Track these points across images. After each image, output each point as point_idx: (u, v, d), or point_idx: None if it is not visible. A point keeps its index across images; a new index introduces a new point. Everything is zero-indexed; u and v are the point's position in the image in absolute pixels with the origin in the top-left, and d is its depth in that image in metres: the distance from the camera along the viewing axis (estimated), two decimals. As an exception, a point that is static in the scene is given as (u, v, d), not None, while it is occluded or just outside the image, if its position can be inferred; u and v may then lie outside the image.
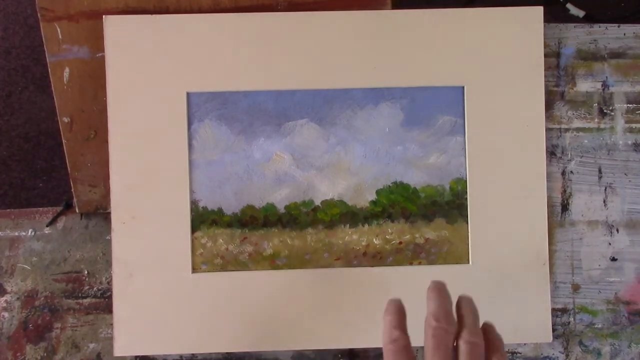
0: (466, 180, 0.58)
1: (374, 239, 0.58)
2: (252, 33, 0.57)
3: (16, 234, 0.61)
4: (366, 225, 0.58)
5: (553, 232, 0.60)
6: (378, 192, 0.58)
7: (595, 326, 0.60)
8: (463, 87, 0.58)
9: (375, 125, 0.58)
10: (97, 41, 0.58)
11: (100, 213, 0.61)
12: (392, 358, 0.40)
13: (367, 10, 0.58)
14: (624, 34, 0.61)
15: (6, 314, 0.60)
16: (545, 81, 0.59)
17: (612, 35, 0.61)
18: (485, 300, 0.58)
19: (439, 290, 0.43)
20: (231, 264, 0.58)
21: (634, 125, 0.61)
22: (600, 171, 0.60)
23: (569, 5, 1.09)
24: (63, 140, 0.60)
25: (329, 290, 0.58)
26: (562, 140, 0.61)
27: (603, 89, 0.61)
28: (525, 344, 0.59)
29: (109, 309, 0.59)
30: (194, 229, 0.58)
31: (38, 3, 0.58)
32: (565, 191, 0.60)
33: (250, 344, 0.58)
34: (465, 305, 0.42)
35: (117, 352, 0.57)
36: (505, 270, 0.58)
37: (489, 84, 0.58)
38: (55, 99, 0.59)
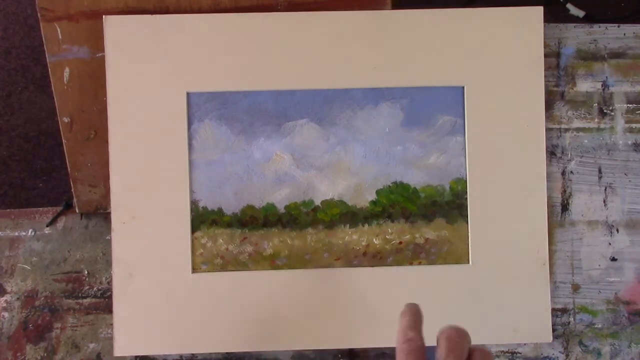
0: (466, 180, 0.58)
1: (374, 239, 0.58)
2: (252, 33, 0.57)
3: (16, 234, 0.61)
4: (366, 225, 0.58)
5: (553, 232, 0.60)
6: (378, 192, 0.58)
7: (595, 326, 0.60)
8: (463, 87, 0.58)
9: (375, 125, 0.58)
10: (97, 41, 0.58)
11: (100, 213, 0.61)
12: (405, 357, 0.39)
13: (367, 10, 0.58)
14: (624, 34, 0.61)
15: (6, 314, 0.60)
16: (545, 81, 0.59)
17: (612, 35, 0.61)
18: (485, 300, 0.58)
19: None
20: (231, 264, 0.58)
21: (634, 125, 0.61)
22: (600, 171, 0.60)
23: (569, 5, 1.09)
24: (63, 140, 0.60)
25: (329, 290, 0.58)
26: (562, 140, 0.61)
27: (603, 89, 0.61)
28: (525, 344, 0.59)
29: (109, 309, 0.59)
30: (194, 229, 0.58)
31: (38, 3, 0.58)
32: (565, 191, 0.60)
33: (250, 344, 0.58)
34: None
35: (117, 352, 0.57)
36: (505, 270, 0.58)
37: (489, 84, 0.58)
38: (55, 99, 0.59)
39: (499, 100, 0.58)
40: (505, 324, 0.58)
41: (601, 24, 0.61)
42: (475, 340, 0.59)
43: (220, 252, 0.58)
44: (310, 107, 0.58)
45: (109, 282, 0.60)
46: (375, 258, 0.58)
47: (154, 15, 0.57)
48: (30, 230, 0.61)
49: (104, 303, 0.60)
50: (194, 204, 0.58)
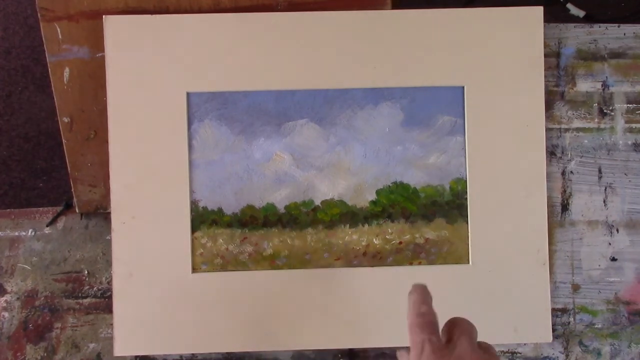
0: (466, 180, 0.58)
1: (374, 239, 0.58)
2: (252, 33, 0.57)
3: (16, 234, 0.61)
4: (366, 225, 0.58)
5: (553, 232, 0.60)
6: (378, 192, 0.58)
7: (595, 326, 0.60)
8: (463, 87, 0.58)
9: (375, 125, 0.58)
10: (97, 41, 0.58)
11: (100, 213, 0.61)
12: (420, 330, 0.39)
13: (367, 10, 0.58)
14: (624, 34, 0.61)
15: (6, 314, 0.60)
16: (545, 81, 0.59)
17: (612, 35, 0.61)
18: (485, 300, 0.58)
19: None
20: (231, 264, 0.58)
21: (634, 125, 0.61)
22: (600, 171, 0.60)
23: (569, 5, 1.09)
24: (63, 140, 0.60)
25: (329, 290, 0.58)
26: (562, 140, 0.61)
27: (603, 89, 0.61)
28: (525, 344, 0.59)
29: (109, 309, 0.59)
30: (194, 229, 0.58)
31: (38, 3, 0.58)
32: (565, 191, 0.60)
33: (250, 344, 0.58)
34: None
35: (117, 352, 0.57)
36: (505, 270, 0.58)
37: (489, 84, 0.58)
38: (55, 99, 0.59)
39: (499, 100, 0.58)
40: (505, 324, 0.58)
41: (601, 24, 0.61)
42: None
43: (220, 252, 0.58)
44: (310, 107, 0.58)
45: (109, 282, 0.60)
46: (375, 258, 0.58)
47: (154, 15, 0.57)
48: (30, 230, 0.61)
49: (104, 303, 0.60)
50: (194, 204, 0.58)
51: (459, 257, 0.58)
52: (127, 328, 0.57)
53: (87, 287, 0.60)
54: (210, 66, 0.57)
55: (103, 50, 0.57)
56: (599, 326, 0.60)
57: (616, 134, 0.61)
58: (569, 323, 0.60)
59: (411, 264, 0.58)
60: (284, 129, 0.58)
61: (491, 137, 0.58)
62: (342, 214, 0.58)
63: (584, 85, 0.61)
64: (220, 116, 0.58)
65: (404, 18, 0.58)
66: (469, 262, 0.58)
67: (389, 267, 0.58)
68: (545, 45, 0.60)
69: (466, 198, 0.58)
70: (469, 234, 0.58)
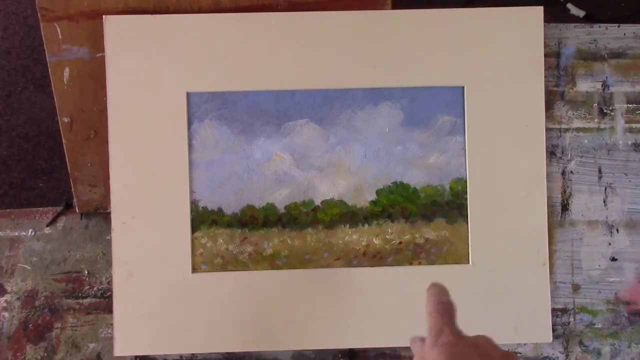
0: (466, 180, 0.58)
1: (374, 239, 0.58)
2: (252, 33, 0.57)
3: (16, 234, 0.61)
4: (366, 225, 0.58)
5: (553, 232, 0.60)
6: (378, 192, 0.58)
7: (595, 326, 0.60)
8: (463, 87, 0.58)
9: (375, 125, 0.58)
10: (97, 41, 0.58)
11: (100, 213, 0.61)
12: (440, 316, 0.40)
13: (367, 10, 0.58)
14: (624, 34, 0.61)
15: (6, 314, 0.60)
16: (545, 81, 0.59)
17: (612, 35, 0.61)
18: (485, 300, 0.58)
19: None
20: (231, 264, 0.58)
21: (634, 125, 0.61)
22: (600, 171, 0.60)
23: (569, 5, 1.09)
24: (63, 140, 0.60)
25: (329, 290, 0.58)
26: (562, 140, 0.61)
27: (603, 89, 0.61)
28: (525, 344, 0.59)
29: (109, 309, 0.59)
30: (194, 229, 0.58)
31: (38, 3, 0.58)
32: (565, 191, 0.60)
33: (250, 344, 0.58)
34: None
35: (117, 352, 0.57)
36: (505, 270, 0.58)
37: (489, 84, 0.58)
38: (55, 99, 0.59)
39: (499, 100, 0.58)
40: (505, 324, 0.58)
41: (601, 24, 0.61)
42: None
43: (220, 252, 0.58)
44: (310, 107, 0.58)
45: (109, 282, 0.60)
46: (375, 258, 0.58)
47: (154, 15, 0.57)
48: (30, 230, 0.61)
49: (104, 303, 0.60)
50: (194, 204, 0.58)
51: (459, 257, 0.58)
52: (127, 328, 0.57)
53: (87, 287, 0.60)
54: (210, 66, 0.57)
55: (103, 50, 0.57)
56: (599, 326, 0.60)
57: (616, 134, 0.61)
58: (569, 323, 0.60)
59: (411, 264, 0.58)
60: (284, 129, 0.58)
61: (491, 137, 0.58)
62: (342, 214, 0.58)
63: (584, 85, 0.61)
64: (220, 116, 0.58)
65: (404, 18, 0.58)
66: (469, 262, 0.58)
67: (389, 267, 0.58)
68: (545, 45, 0.60)
69: (466, 198, 0.58)
70: (469, 234, 0.58)
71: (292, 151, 0.58)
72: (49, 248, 0.61)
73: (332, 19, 0.57)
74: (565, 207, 0.60)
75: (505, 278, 0.58)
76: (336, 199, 0.58)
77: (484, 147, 0.58)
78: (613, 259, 0.60)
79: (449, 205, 0.58)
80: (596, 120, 0.61)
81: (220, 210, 0.58)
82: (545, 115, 0.59)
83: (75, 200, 0.61)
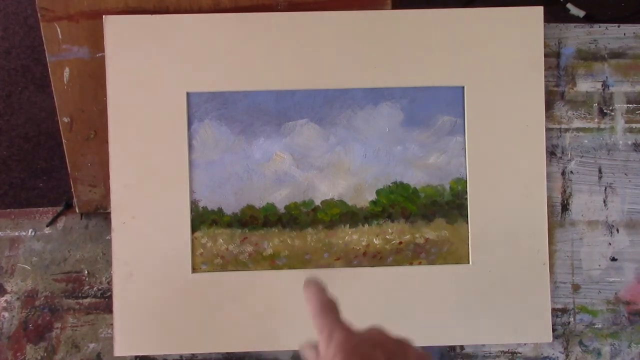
0: (466, 180, 0.58)
1: (374, 239, 0.58)
2: (252, 33, 0.57)
3: (16, 234, 0.61)
4: (366, 225, 0.58)
5: (553, 232, 0.60)
6: (378, 192, 0.58)
7: (595, 326, 0.60)
8: (463, 87, 0.58)
9: (375, 125, 0.58)
10: (97, 41, 0.58)
11: (100, 213, 0.61)
12: (327, 315, 0.40)
13: (367, 10, 0.58)
14: (624, 34, 0.61)
15: (6, 314, 0.60)
16: (545, 81, 0.59)
17: (612, 35, 0.61)
18: (485, 300, 0.58)
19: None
20: (231, 264, 0.58)
21: (634, 125, 0.61)
22: (600, 171, 0.60)
23: (569, 5, 1.09)
24: (63, 140, 0.60)
25: (329, 290, 0.58)
26: (562, 140, 0.61)
27: (603, 89, 0.61)
28: (525, 344, 0.59)
29: (109, 309, 0.59)
30: (194, 229, 0.58)
31: (38, 3, 0.58)
32: (565, 191, 0.60)
33: (250, 344, 0.58)
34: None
35: (117, 352, 0.57)
36: (505, 270, 0.58)
37: (489, 84, 0.58)
38: (55, 99, 0.59)
39: (499, 100, 0.58)
40: (505, 324, 0.58)
41: (601, 24, 0.61)
42: (476, 340, 0.59)
43: (220, 252, 0.58)
44: (310, 107, 0.58)
45: (109, 282, 0.60)
46: (375, 258, 0.58)
47: (154, 15, 0.57)
48: (30, 230, 0.61)
49: (104, 303, 0.60)
50: (194, 204, 0.58)
51: (459, 257, 0.58)
52: (127, 328, 0.57)
53: (87, 287, 0.60)
54: (210, 66, 0.57)
55: (103, 50, 0.57)
56: (599, 326, 0.60)
57: (616, 134, 0.61)
58: (569, 323, 0.60)
59: (411, 264, 0.58)
60: (284, 129, 0.58)
61: (491, 137, 0.58)
62: (342, 214, 0.58)
63: (584, 85, 0.61)
64: (220, 116, 0.58)
65: (404, 18, 0.58)
66: (469, 262, 0.58)
67: (389, 267, 0.58)
68: (545, 45, 0.60)
69: (466, 198, 0.58)
70: (469, 234, 0.58)
71: (292, 151, 0.58)
72: (49, 248, 0.61)
73: (332, 19, 0.57)
74: (565, 207, 0.60)
75: (505, 278, 0.58)
76: (336, 199, 0.58)
77: (484, 147, 0.58)
78: (613, 259, 0.60)
79: (449, 205, 0.58)
80: (596, 120, 0.61)
81: (220, 210, 0.58)
82: (545, 115, 0.59)
83: (75, 200, 0.61)
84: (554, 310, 0.59)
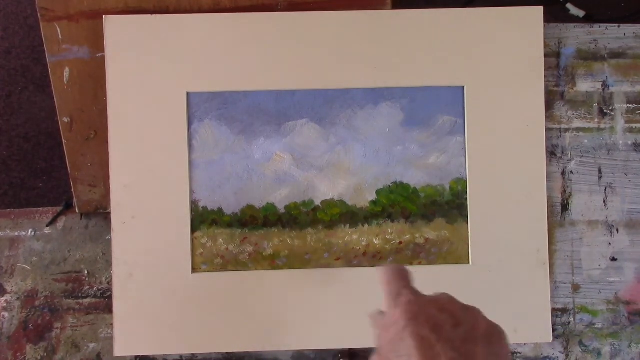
0: (466, 180, 0.58)
1: (374, 239, 0.58)
2: (252, 33, 0.57)
3: (16, 234, 0.61)
4: (366, 225, 0.58)
5: (553, 232, 0.60)
6: (378, 192, 0.58)
7: (595, 326, 0.60)
8: (463, 87, 0.58)
9: (375, 125, 0.58)
10: (97, 41, 0.58)
11: (100, 213, 0.61)
12: (397, 279, 0.39)
13: (367, 10, 0.58)
14: (624, 34, 0.61)
15: (6, 314, 0.60)
16: (545, 81, 0.59)
17: (612, 35, 0.61)
18: (485, 300, 0.58)
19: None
20: (231, 264, 0.58)
21: (634, 125, 0.61)
22: (600, 171, 0.60)
23: (569, 5, 1.09)
24: (63, 140, 0.60)
25: (329, 290, 0.58)
26: (562, 140, 0.61)
27: (603, 89, 0.61)
28: (525, 344, 0.59)
29: (109, 309, 0.59)
30: (194, 229, 0.58)
31: (38, 3, 0.58)
32: (565, 191, 0.60)
33: (250, 344, 0.58)
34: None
35: (117, 352, 0.57)
36: (505, 270, 0.58)
37: (489, 84, 0.58)
38: (55, 99, 0.59)
39: (499, 100, 0.58)
40: (505, 324, 0.58)
41: (601, 24, 0.61)
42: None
43: (220, 252, 0.58)
44: (310, 107, 0.58)
45: (109, 282, 0.60)
46: (375, 258, 0.58)
47: (154, 15, 0.57)
48: (30, 230, 0.61)
49: (104, 303, 0.60)
50: (194, 204, 0.58)
51: (459, 257, 0.58)
52: (127, 328, 0.57)
53: (87, 287, 0.60)
54: (210, 66, 0.57)
55: (103, 50, 0.57)
56: (599, 326, 0.60)
57: (616, 134, 0.61)
58: (569, 323, 0.60)
59: (411, 264, 0.58)
60: (284, 129, 0.58)
61: (491, 137, 0.58)
62: (342, 214, 0.58)
63: (584, 85, 0.61)
64: (220, 116, 0.58)
65: (404, 18, 0.58)
66: (469, 262, 0.58)
67: (389, 267, 0.58)
68: (545, 45, 0.60)
69: (466, 198, 0.58)
70: (469, 234, 0.58)
71: (292, 151, 0.58)
72: (49, 248, 0.61)
73: (332, 19, 0.57)
74: (565, 207, 0.60)
75: (505, 278, 0.58)
76: (336, 199, 0.58)
77: (484, 147, 0.58)
78: (613, 259, 0.60)
79: (449, 205, 0.58)
80: (596, 120, 0.61)
81: (220, 210, 0.58)
82: (545, 115, 0.59)
83: (75, 200, 0.61)
84: (554, 310, 0.59)
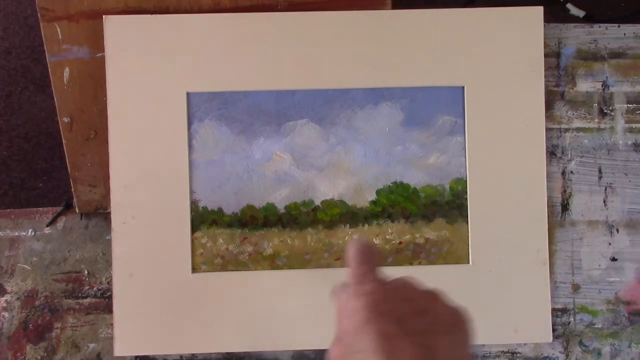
0: (466, 180, 0.58)
1: (374, 239, 0.58)
2: (252, 33, 0.57)
3: (16, 234, 0.61)
4: (366, 225, 0.58)
5: (553, 232, 0.60)
6: (378, 192, 0.58)
7: (595, 326, 0.60)
8: (463, 87, 0.58)
9: (375, 125, 0.58)
10: (97, 41, 0.58)
11: (100, 213, 0.61)
12: (363, 261, 0.39)
13: (367, 10, 0.58)
14: (624, 34, 0.61)
15: (6, 314, 0.60)
16: (545, 81, 0.59)
17: (612, 35, 0.61)
18: (485, 300, 0.58)
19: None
20: (231, 264, 0.58)
21: (634, 125, 0.61)
22: (600, 171, 0.60)
23: (569, 5, 1.09)
24: (63, 140, 0.60)
25: (329, 290, 0.58)
26: (562, 140, 0.61)
27: (603, 89, 0.61)
28: (525, 344, 0.59)
29: (109, 309, 0.59)
30: (194, 229, 0.58)
31: (38, 3, 0.58)
32: (565, 191, 0.60)
33: (250, 344, 0.58)
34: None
35: (117, 352, 0.57)
36: (505, 270, 0.58)
37: (489, 84, 0.58)
38: (55, 99, 0.59)
39: (499, 100, 0.58)
40: (505, 324, 0.58)
41: (601, 24, 0.61)
42: (476, 340, 0.59)
43: (220, 252, 0.58)
44: (310, 107, 0.58)
45: (109, 282, 0.60)
46: (375, 258, 0.58)
47: (154, 15, 0.57)
48: (30, 230, 0.61)
49: (104, 303, 0.60)
50: (194, 204, 0.58)
51: (459, 257, 0.58)
52: (127, 328, 0.57)
53: (87, 287, 0.60)
54: (210, 66, 0.57)
55: (103, 50, 0.57)
56: (599, 326, 0.60)
57: (616, 134, 0.61)
58: (569, 323, 0.60)
59: (411, 264, 0.58)
60: (284, 129, 0.58)
61: (491, 137, 0.58)
62: (342, 214, 0.58)
63: (584, 85, 0.61)
64: (220, 116, 0.58)
65: (404, 18, 0.58)
66: (469, 262, 0.58)
67: (389, 267, 0.58)
68: (545, 45, 0.60)
69: (466, 198, 0.58)
70: (469, 234, 0.58)
71: (292, 151, 0.58)
72: (49, 248, 0.61)
73: (332, 19, 0.57)
74: (565, 207, 0.60)
75: (505, 278, 0.58)
76: (336, 199, 0.58)
77: (484, 147, 0.58)
78: (613, 259, 0.60)
79: (449, 205, 0.58)
80: (596, 120, 0.61)
81: (220, 210, 0.58)
82: (545, 115, 0.59)
83: (75, 200, 0.61)
84: (554, 310, 0.59)
